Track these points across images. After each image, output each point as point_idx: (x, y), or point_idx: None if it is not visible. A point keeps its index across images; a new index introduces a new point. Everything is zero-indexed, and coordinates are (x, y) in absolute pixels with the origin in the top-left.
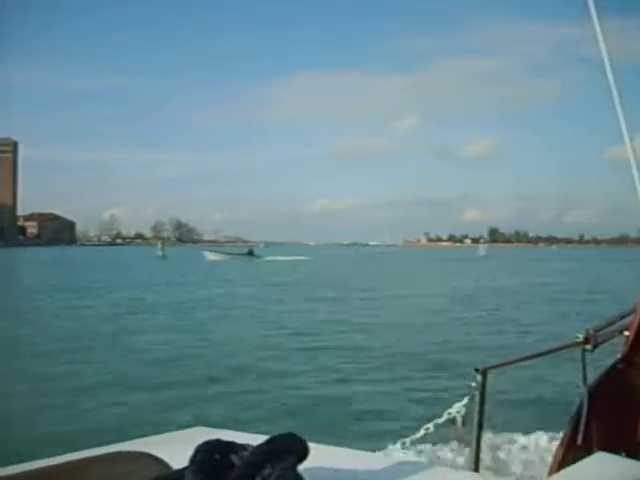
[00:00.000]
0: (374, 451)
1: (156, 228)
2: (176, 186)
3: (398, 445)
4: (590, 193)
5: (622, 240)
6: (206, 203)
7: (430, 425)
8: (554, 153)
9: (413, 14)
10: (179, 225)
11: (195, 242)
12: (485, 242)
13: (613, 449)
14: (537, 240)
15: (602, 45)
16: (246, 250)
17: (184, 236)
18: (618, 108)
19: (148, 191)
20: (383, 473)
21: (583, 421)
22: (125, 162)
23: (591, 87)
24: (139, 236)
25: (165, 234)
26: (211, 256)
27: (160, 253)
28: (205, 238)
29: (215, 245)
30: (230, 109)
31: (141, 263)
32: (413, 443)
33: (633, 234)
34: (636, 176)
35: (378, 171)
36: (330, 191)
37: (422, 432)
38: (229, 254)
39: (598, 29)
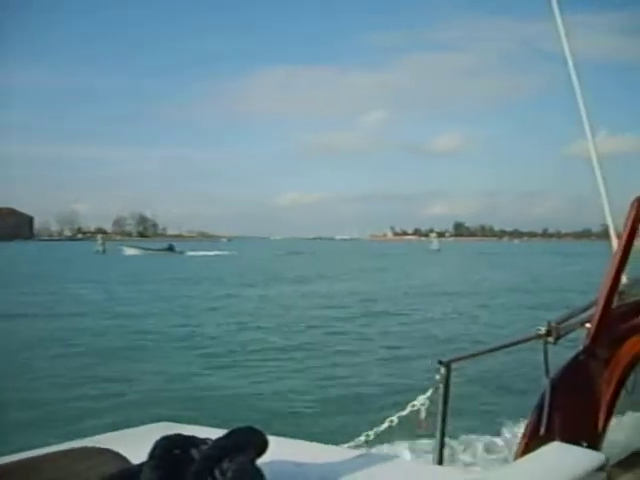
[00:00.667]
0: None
1: (118, 222)
2: (146, 181)
3: (362, 438)
4: (556, 188)
5: (585, 234)
6: (176, 198)
7: (394, 418)
8: (522, 148)
9: (383, 10)
10: (142, 219)
11: (158, 237)
12: (450, 236)
13: (575, 440)
14: (502, 234)
15: (564, 42)
16: (167, 245)
17: (148, 231)
18: (580, 104)
19: (118, 186)
20: (344, 466)
21: (546, 412)
22: (95, 158)
23: (560, 83)
24: (100, 231)
25: (128, 229)
26: (129, 251)
27: (100, 249)
28: (169, 233)
29: (178, 240)
30: (201, 106)
31: (69, 258)
32: (377, 436)
33: (595, 228)
34: (597, 171)
35: (348, 166)
36: (300, 186)
37: (386, 424)
38: (148, 250)
39: (561, 27)
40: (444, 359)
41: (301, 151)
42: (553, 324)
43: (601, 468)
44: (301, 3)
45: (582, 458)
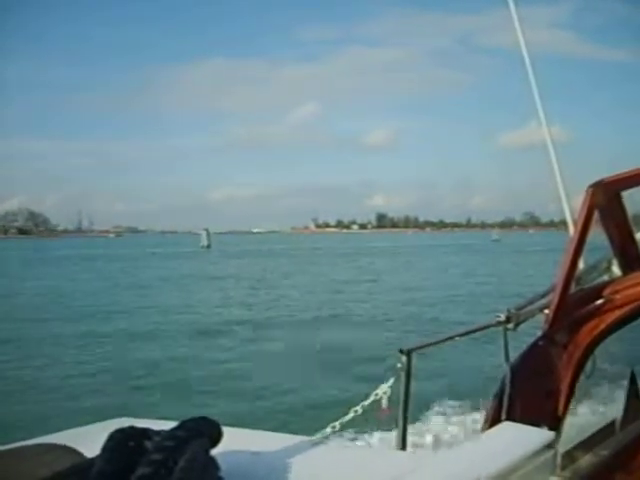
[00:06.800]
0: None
1: (6, 218)
2: (78, 176)
3: (328, 430)
4: (486, 180)
5: (507, 224)
6: (107, 193)
7: (358, 407)
8: (454, 142)
9: (316, 3)
10: (32, 216)
11: (48, 233)
12: (372, 228)
13: (535, 423)
14: (425, 225)
15: (519, 33)
16: None
17: (39, 227)
18: (535, 93)
19: (47, 181)
20: (302, 455)
21: (506, 397)
22: (23, 152)
23: (491, 77)
24: None
25: (17, 225)
26: None
27: None
28: (97, 228)
29: (87, 236)
30: (134, 99)
31: None
32: (343, 426)
33: (519, 218)
34: (554, 159)
35: (280, 159)
36: (231, 180)
37: (351, 415)
38: None
39: (515, 18)
40: (404, 348)
41: (235, 145)
42: (513, 311)
43: (550, 445)
44: None
45: (530, 436)
